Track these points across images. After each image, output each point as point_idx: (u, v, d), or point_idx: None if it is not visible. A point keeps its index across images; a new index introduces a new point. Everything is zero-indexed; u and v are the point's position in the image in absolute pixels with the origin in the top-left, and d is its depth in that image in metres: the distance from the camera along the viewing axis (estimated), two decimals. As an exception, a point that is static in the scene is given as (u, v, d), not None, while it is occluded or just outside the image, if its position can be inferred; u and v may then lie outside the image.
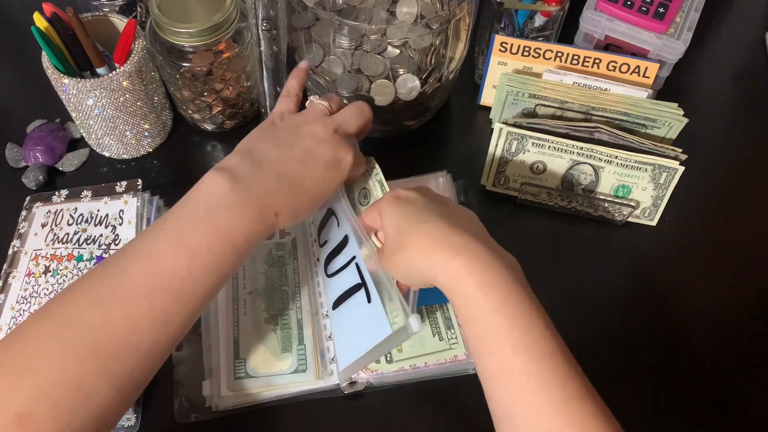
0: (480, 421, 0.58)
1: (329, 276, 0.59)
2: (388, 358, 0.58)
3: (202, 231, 0.45)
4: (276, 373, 0.57)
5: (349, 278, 0.55)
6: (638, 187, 0.66)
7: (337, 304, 0.58)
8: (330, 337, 0.59)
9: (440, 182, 0.68)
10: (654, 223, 0.68)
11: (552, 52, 0.68)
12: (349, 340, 0.56)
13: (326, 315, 0.61)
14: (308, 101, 0.57)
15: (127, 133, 0.68)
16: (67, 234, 0.62)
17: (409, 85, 0.67)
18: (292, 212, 0.49)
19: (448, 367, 0.59)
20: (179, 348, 0.59)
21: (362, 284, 0.53)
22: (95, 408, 0.40)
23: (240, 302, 0.61)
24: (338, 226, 0.58)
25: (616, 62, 0.67)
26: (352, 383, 0.58)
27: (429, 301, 0.61)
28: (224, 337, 0.59)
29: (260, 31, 0.61)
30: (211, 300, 0.47)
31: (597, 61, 0.68)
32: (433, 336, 0.59)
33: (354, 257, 0.55)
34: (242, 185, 0.47)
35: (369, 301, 0.52)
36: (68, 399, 0.39)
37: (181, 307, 0.44)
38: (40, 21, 0.60)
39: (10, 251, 0.63)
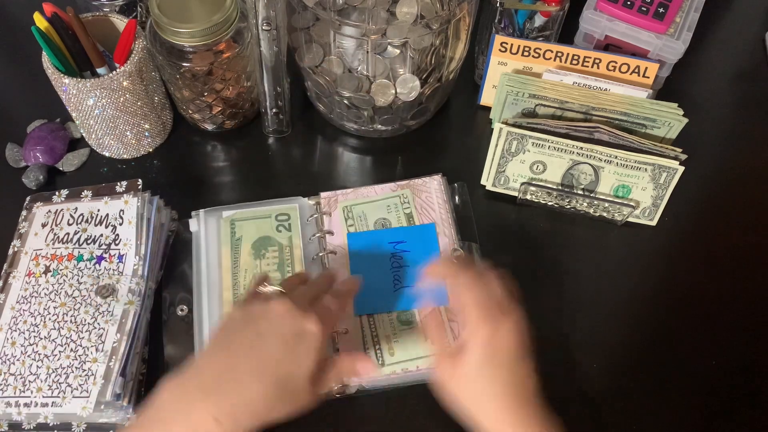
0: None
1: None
2: (380, 362, 0.58)
3: None
4: None
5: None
6: (638, 187, 0.66)
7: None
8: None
9: (434, 185, 0.68)
10: (654, 223, 0.68)
11: (552, 52, 0.68)
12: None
13: None
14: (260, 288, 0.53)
15: (128, 133, 0.68)
16: (68, 234, 0.63)
17: (409, 85, 0.67)
18: (245, 408, 0.45)
19: None
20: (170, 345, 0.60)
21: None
22: None
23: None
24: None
25: (616, 62, 0.67)
26: (344, 387, 0.57)
27: (422, 303, 0.61)
28: None
29: (260, 31, 0.61)
30: None
31: (597, 61, 0.68)
32: (425, 340, 0.59)
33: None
34: (174, 396, 0.45)
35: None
36: None
37: None
38: (40, 21, 0.60)
39: (11, 251, 0.63)
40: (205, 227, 0.65)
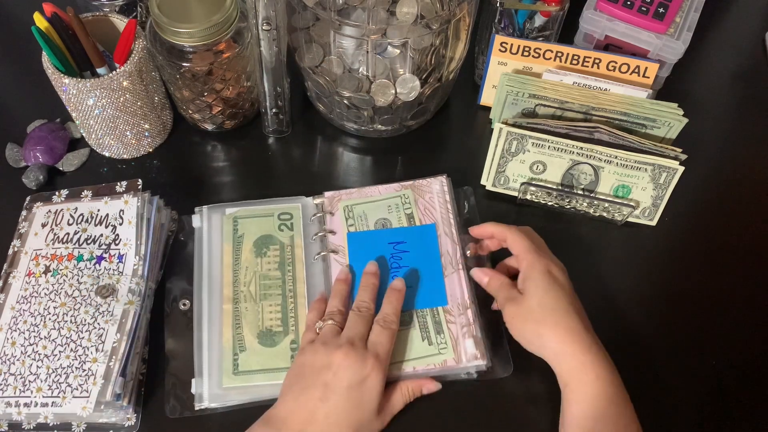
0: (471, 424, 0.58)
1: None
2: None
3: None
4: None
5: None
6: (638, 187, 0.66)
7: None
8: None
9: (436, 188, 0.67)
10: (654, 223, 0.68)
11: (552, 52, 0.68)
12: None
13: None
14: (316, 324, 0.58)
15: (128, 133, 0.68)
16: (68, 234, 0.63)
17: (409, 85, 0.67)
18: None
19: (438, 372, 0.58)
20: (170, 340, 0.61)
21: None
22: None
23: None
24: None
25: (616, 62, 0.67)
26: None
27: (422, 304, 0.61)
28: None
29: (260, 31, 0.61)
30: None
31: (597, 61, 0.68)
32: (422, 340, 0.59)
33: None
34: None
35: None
36: None
37: None
38: (40, 21, 0.60)
39: (11, 251, 0.63)
40: (208, 223, 0.65)
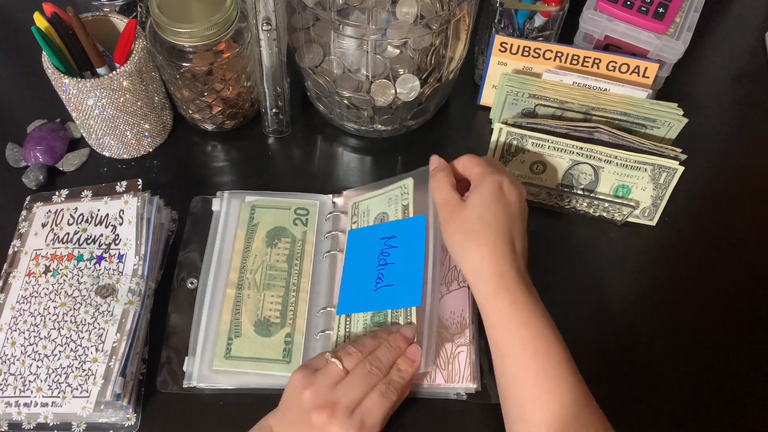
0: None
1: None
2: None
3: None
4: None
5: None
6: (638, 187, 0.66)
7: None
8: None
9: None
10: (654, 223, 0.68)
11: (552, 52, 0.68)
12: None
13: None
14: (326, 354, 0.54)
15: (128, 133, 0.68)
16: (68, 234, 0.63)
17: (409, 85, 0.67)
18: None
19: (426, 390, 0.58)
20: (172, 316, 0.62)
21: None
22: None
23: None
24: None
25: (615, 62, 0.67)
26: None
27: (395, 304, 0.58)
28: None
29: (260, 31, 0.61)
30: None
31: (597, 61, 0.68)
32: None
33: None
34: None
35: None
36: None
37: None
38: (40, 21, 0.60)
39: (11, 251, 0.63)
40: (227, 208, 0.66)
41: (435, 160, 0.60)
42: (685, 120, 0.64)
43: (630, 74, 0.68)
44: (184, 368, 0.58)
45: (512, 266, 0.52)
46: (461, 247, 0.54)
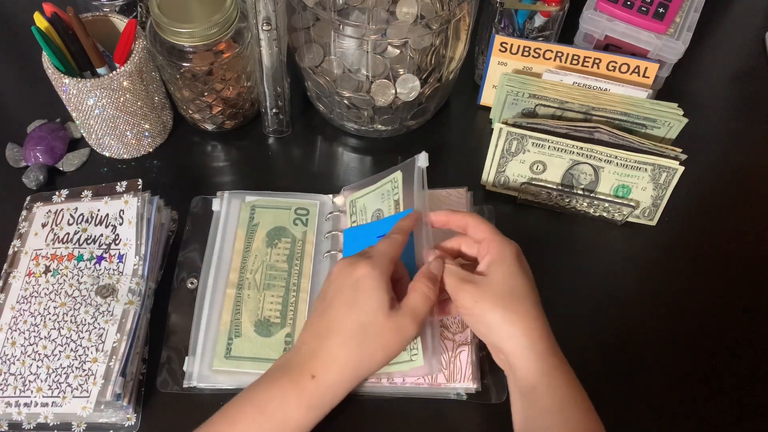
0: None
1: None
2: None
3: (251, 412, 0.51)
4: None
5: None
6: (638, 187, 0.66)
7: None
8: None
9: (453, 200, 0.66)
10: (654, 223, 0.68)
11: (552, 52, 0.68)
12: None
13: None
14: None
15: (128, 133, 0.68)
16: (68, 234, 0.63)
17: (409, 85, 0.67)
18: (332, 361, 0.51)
19: (426, 389, 0.57)
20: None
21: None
22: None
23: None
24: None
25: (616, 62, 0.67)
26: None
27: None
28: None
29: (260, 31, 0.61)
30: None
31: (597, 61, 0.68)
32: None
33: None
34: (284, 366, 0.52)
35: None
36: None
37: None
38: (40, 21, 0.60)
39: (11, 251, 0.63)
40: (227, 208, 0.66)
41: (428, 253, 0.57)
42: (685, 120, 0.64)
43: (630, 74, 0.68)
44: (184, 368, 0.58)
45: (550, 334, 0.52)
46: (504, 320, 0.51)
